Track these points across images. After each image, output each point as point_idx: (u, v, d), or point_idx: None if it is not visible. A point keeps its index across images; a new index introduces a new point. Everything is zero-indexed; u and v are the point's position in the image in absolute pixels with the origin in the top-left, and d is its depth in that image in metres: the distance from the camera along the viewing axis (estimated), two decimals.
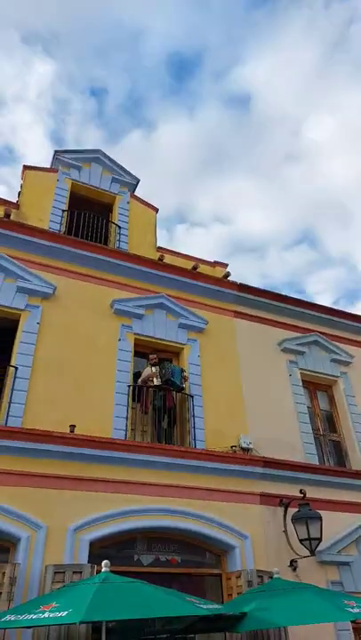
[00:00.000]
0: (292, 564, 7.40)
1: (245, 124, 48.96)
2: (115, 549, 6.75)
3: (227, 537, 7.25)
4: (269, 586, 6.01)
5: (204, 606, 4.46)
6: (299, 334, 10.54)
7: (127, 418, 7.73)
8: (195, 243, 50.84)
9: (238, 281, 10.36)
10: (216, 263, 11.06)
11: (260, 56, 42.66)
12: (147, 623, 6.13)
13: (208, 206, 50.88)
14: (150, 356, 8.68)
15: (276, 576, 6.20)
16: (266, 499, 7.83)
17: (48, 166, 10.58)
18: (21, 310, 7.86)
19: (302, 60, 41.56)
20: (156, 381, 8.36)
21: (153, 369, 8.50)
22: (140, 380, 8.40)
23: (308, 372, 10.20)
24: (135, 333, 8.68)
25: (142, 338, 8.76)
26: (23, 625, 4.16)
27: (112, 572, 4.94)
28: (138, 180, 11.20)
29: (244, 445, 8.24)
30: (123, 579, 4.67)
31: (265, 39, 43.12)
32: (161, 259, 9.90)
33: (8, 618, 4.14)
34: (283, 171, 48.11)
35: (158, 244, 10.69)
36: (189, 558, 7.23)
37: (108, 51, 46.57)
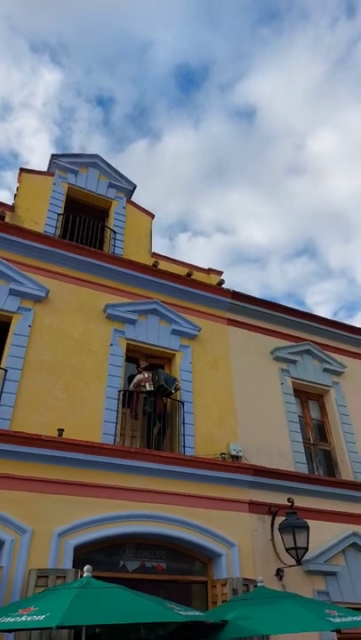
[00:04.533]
0: (279, 573, 7.37)
1: (250, 137, 49.21)
2: (101, 555, 6.72)
3: (214, 544, 7.22)
4: (253, 594, 6.01)
5: (184, 613, 4.44)
6: (291, 343, 10.55)
7: (117, 423, 7.71)
8: (196, 252, 50.96)
9: (236, 289, 10.38)
10: (211, 270, 11.08)
11: (266, 71, 43.02)
12: (131, 629, 6.10)
13: (210, 216, 51.06)
14: (140, 362, 8.68)
15: (260, 584, 6.19)
16: (254, 507, 7.81)
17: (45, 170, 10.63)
18: (13, 313, 7.85)
19: (307, 76, 41.92)
20: (149, 387, 8.32)
21: (145, 374, 8.47)
22: (131, 385, 8.39)
23: (300, 381, 10.20)
24: (127, 338, 8.67)
25: (134, 343, 8.75)
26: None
27: (97, 577, 4.92)
28: (134, 186, 11.25)
29: (233, 453, 8.23)
30: (103, 584, 4.64)
31: (271, 55, 43.60)
32: (155, 264, 9.93)
33: None
34: (286, 183, 48.35)
35: (158, 252, 10.73)
36: (176, 565, 7.20)
37: (117, 61, 46.96)
